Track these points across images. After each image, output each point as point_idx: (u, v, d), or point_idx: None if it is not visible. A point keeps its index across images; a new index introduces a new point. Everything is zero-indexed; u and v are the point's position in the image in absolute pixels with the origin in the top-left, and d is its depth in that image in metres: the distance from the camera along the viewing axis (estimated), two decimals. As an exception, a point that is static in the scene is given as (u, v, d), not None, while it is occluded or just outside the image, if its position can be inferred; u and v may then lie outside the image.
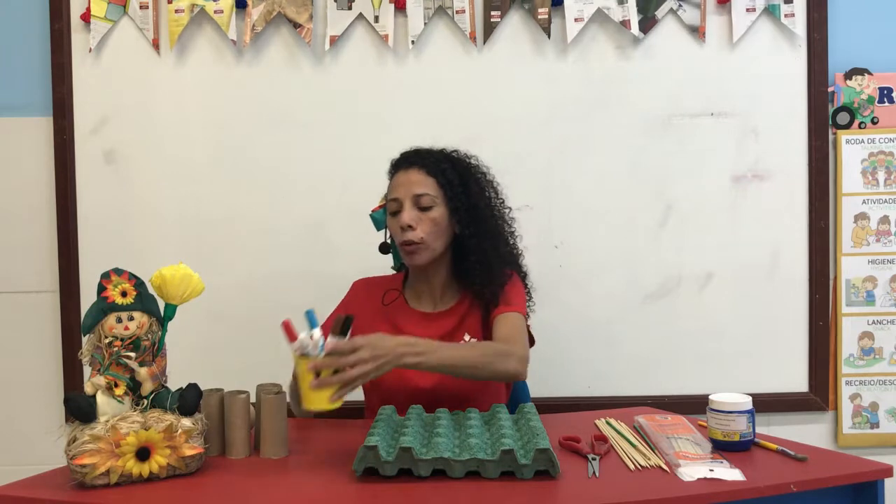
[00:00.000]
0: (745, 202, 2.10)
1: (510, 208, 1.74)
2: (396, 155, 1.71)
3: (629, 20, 2.04)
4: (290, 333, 1.29)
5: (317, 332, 1.28)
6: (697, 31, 2.06)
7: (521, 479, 1.19)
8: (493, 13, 2.06)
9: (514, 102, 2.09)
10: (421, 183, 1.63)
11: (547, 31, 2.05)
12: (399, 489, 1.17)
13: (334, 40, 2.06)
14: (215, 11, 2.04)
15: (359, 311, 1.71)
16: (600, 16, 2.06)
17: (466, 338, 1.66)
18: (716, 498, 1.13)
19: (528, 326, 1.66)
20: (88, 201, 2.11)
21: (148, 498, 1.17)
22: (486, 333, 1.66)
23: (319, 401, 1.27)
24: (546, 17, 2.05)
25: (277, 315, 2.04)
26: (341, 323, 1.31)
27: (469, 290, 1.68)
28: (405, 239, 1.61)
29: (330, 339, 1.30)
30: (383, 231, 1.73)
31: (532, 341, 1.68)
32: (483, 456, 1.21)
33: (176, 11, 2.05)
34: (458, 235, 1.65)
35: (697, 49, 2.08)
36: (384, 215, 1.69)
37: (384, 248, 1.74)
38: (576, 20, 2.04)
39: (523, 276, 1.75)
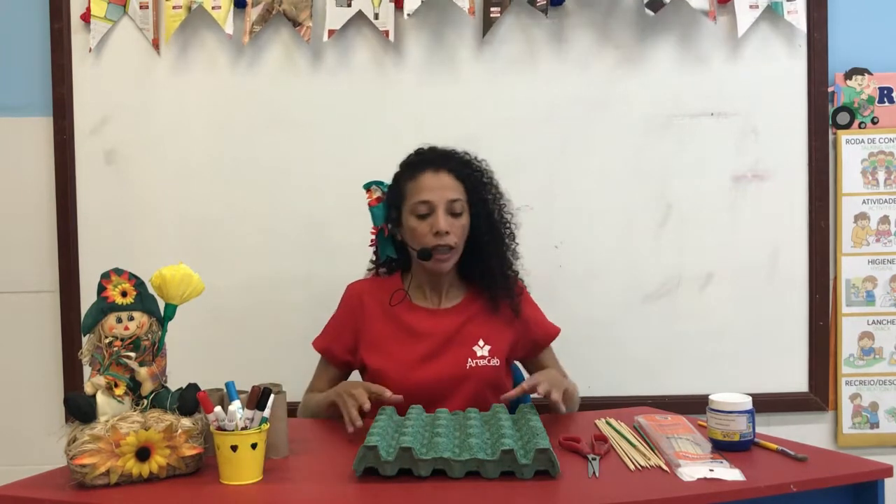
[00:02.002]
0: (745, 202, 2.10)
1: (511, 213, 1.75)
2: (416, 153, 1.70)
3: None
4: (207, 405, 1.22)
5: (235, 405, 1.23)
6: (707, 15, 2.01)
7: (521, 479, 1.19)
8: (492, 9, 2.04)
9: (514, 102, 2.09)
10: (452, 188, 1.62)
11: (544, 10, 2.01)
12: (399, 489, 1.17)
13: (332, 34, 2.04)
14: (213, 7, 2.03)
15: (361, 314, 1.71)
16: (601, 14, 2.05)
17: (480, 343, 1.66)
18: (716, 498, 1.13)
19: None
20: (88, 201, 2.11)
21: (148, 498, 1.17)
22: (499, 342, 1.67)
23: (239, 476, 1.21)
24: (545, 2, 2.02)
25: (277, 315, 2.09)
26: (259, 395, 1.23)
27: (478, 291, 1.69)
28: (441, 244, 1.60)
29: (247, 412, 1.23)
30: (390, 228, 1.69)
31: None
32: (483, 456, 1.21)
33: (174, 8, 2.04)
34: (470, 239, 1.66)
35: (698, 49, 2.08)
36: (384, 210, 1.68)
37: (425, 255, 1.62)
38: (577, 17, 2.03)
39: (520, 277, 1.76)
